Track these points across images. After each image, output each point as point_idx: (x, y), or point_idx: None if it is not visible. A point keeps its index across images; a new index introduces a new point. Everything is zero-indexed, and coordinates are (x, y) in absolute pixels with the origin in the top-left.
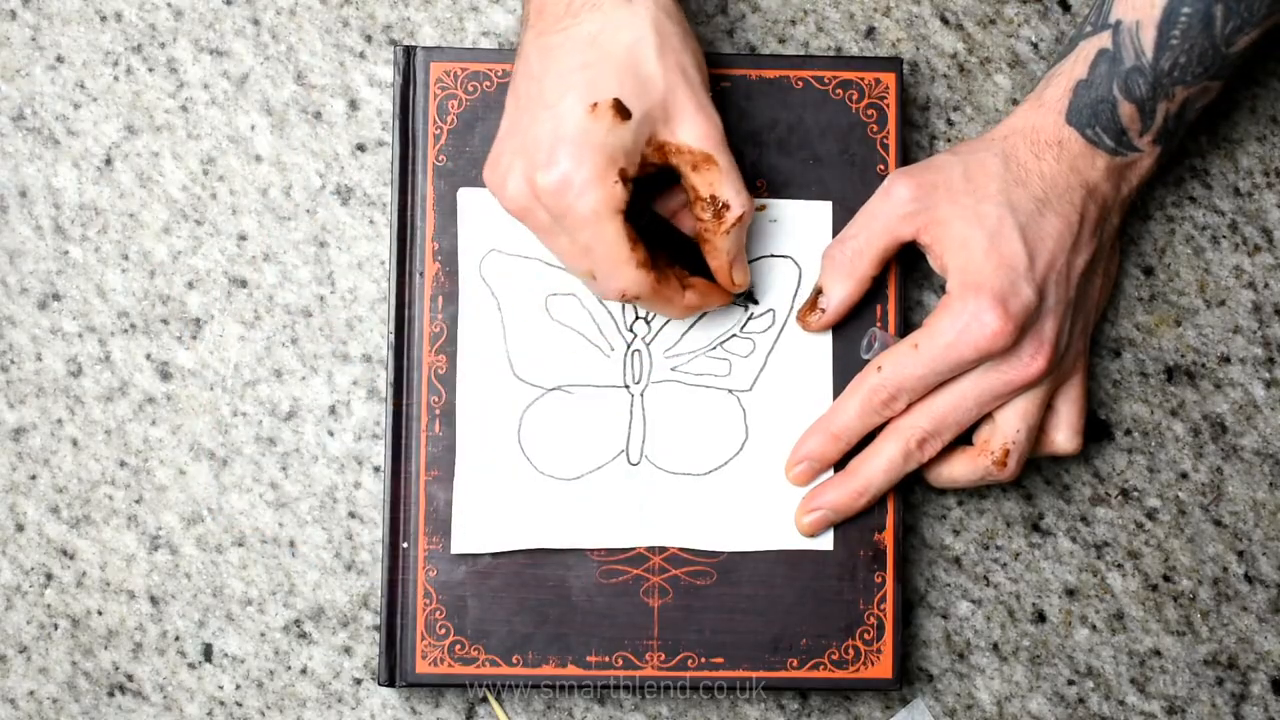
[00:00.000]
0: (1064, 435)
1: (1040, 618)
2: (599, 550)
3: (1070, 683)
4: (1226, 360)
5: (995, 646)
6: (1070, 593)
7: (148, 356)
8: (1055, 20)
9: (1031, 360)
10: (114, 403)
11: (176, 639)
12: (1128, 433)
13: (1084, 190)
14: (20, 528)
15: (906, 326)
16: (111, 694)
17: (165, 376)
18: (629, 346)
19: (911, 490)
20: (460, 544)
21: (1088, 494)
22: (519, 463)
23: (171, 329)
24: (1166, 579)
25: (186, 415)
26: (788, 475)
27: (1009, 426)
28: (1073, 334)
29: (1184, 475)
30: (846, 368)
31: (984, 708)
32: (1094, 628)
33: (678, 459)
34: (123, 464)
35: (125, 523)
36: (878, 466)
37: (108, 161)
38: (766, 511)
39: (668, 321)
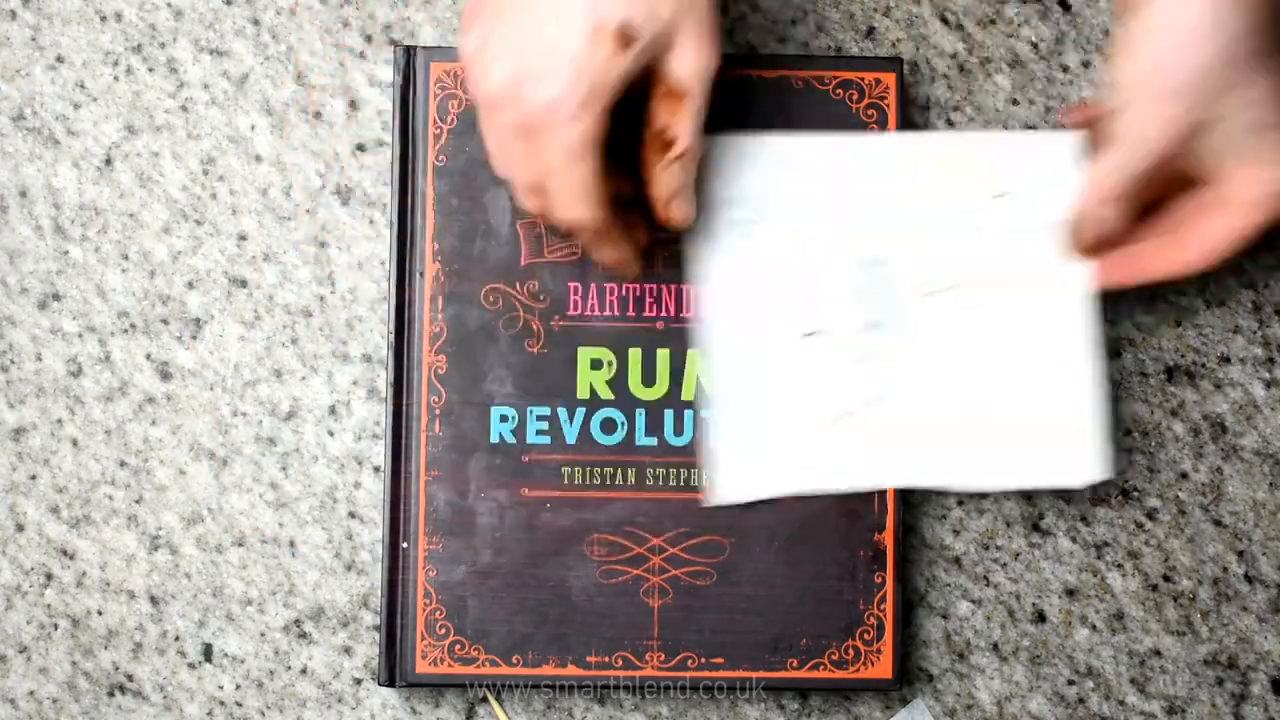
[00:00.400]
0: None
1: (1040, 618)
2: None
3: (1070, 683)
4: (1226, 360)
5: (995, 646)
6: (1070, 593)
7: (148, 356)
8: (1055, 20)
9: None
10: (114, 403)
11: (176, 639)
12: (1128, 433)
13: None
14: (20, 528)
15: None
16: (111, 694)
17: (165, 377)
18: (869, 289)
19: (911, 490)
20: (720, 495)
21: (1088, 494)
22: (772, 410)
23: (171, 329)
24: (1166, 579)
25: (186, 415)
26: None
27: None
28: None
29: (1184, 475)
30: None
31: (984, 708)
32: (1094, 628)
33: (925, 399)
34: (123, 464)
35: (125, 523)
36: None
37: (108, 161)
38: (1012, 448)
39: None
